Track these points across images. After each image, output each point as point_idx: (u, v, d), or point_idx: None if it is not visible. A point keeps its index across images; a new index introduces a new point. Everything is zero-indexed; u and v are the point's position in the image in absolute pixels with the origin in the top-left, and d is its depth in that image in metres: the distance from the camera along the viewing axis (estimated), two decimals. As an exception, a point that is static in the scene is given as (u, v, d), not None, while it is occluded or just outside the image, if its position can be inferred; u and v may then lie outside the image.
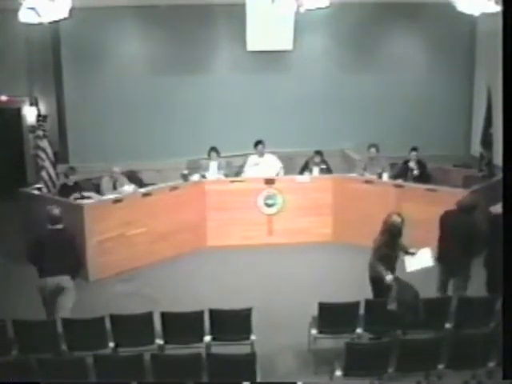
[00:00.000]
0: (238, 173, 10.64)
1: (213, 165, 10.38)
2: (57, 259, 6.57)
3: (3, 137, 12.13)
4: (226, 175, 10.37)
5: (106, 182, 9.66)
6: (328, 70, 11.90)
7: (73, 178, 9.55)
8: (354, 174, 10.23)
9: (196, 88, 11.62)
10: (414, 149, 10.25)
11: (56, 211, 6.77)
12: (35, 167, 10.45)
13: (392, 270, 6.69)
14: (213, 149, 10.36)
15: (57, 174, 9.57)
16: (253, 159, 10.59)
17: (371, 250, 6.86)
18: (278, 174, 10.45)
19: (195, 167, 10.59)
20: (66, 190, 9.37)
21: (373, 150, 10.29)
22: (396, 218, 6.76)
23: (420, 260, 6.91)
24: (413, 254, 6.92)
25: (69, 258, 6.67)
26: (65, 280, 6.64)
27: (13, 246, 9.58)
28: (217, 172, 10.34)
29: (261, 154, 10.58)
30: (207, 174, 10.24)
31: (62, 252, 6.63)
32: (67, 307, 6.65)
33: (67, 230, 6.91)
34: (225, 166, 10.48)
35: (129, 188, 9.53)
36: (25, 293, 8.22)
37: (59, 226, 6.78)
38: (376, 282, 6.86)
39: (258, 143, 10.55)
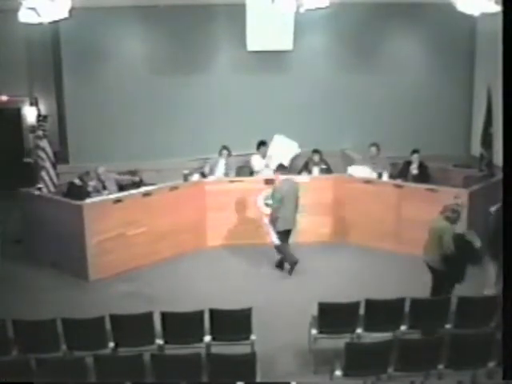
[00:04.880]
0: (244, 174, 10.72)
1: (221, 164, 10.38)
2: None
3: (3, 137, 12.12)
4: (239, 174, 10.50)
5: (96, 185, 9.68)
6: (328, 70, 11.88)
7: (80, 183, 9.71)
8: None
9: (196, 88, 11.60)
10: (416, 151, 10.27)
11: None
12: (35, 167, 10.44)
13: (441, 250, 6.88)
14: (224, 147, 10.36)
15: (57, 174, 9.57)
16: (256, 159, 10.60)
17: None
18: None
19: (202, 166, 10.63)
20: (74, 190, 9.50)
21: (373, 148, 10.32)
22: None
23: None
24: None
25: None
26: None
27: (13, 245, 9.60)
28: (224, 171, 10.33)
29: (264, 155, 10.59)
30: (216, 172, 10.24)
31: None
32: None
33: None
34: (233, 166, 10.51)
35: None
36: (25, 293, 8.24)
37: None
38: (431, 268, 7.07)
39: (261, 144, 10.55)
